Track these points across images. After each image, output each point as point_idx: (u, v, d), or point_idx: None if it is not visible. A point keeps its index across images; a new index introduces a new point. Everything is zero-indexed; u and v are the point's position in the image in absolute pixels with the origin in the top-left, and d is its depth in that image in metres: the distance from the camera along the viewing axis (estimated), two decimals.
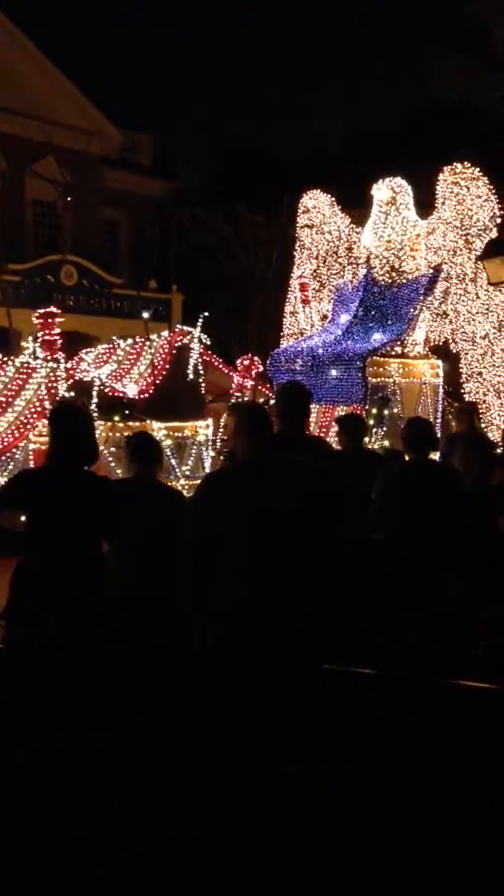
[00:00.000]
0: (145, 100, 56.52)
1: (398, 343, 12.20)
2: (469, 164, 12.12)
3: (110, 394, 9.46)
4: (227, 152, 33.49)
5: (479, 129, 31.06)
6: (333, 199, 13.39)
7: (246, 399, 10.48)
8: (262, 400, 11.54)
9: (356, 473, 5.50)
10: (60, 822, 3.93)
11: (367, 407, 11.69)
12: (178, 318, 30.02)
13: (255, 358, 10.54)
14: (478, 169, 12.09)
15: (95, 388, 9.29)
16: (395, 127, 31.01)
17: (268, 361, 12.56)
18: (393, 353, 12.22)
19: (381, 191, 12.42)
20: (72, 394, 9.19)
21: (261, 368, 10.64)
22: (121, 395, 9.50)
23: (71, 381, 9.43)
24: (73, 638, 4.39)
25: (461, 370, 12.52)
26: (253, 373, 10.50)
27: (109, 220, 29.78)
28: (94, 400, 9.21)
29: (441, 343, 12.69)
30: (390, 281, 12.42)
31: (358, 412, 11.61)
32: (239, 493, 4.03)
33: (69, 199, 24.07)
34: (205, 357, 10.18)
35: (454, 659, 5.05)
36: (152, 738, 4.47)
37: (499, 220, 12.09)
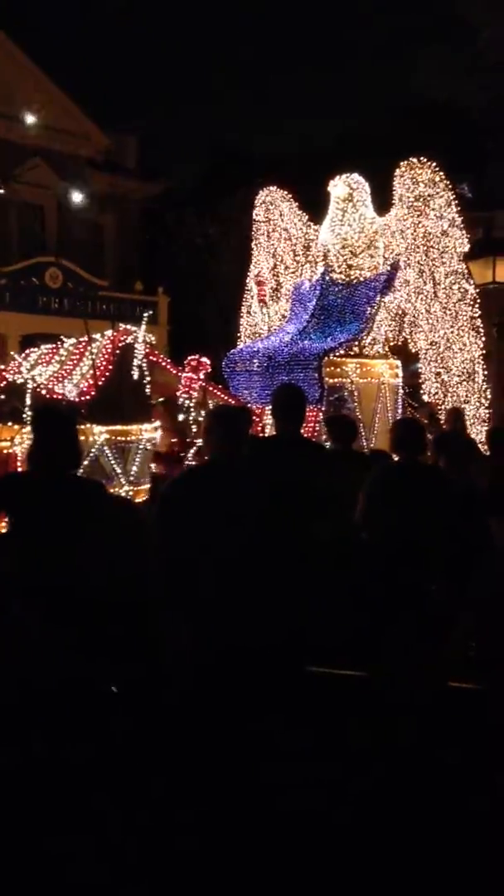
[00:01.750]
0: (131, 102, 56.28)
1: (356, 342, 11.80)
2: (426, 160, 11.69)
3: (48, 397, 9.06)
4: (213, 154, 33.16)
5: (464, 129, 30.69)
6: (290, 195, 12.99)
7: (194, 400, 10.08)
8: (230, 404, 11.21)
9: (344, 474, 5.45)
10: (40, 831, 3.88)
11: (323, 408, 11.30)
12: (164, 320, 29.82)
13: (204, 358, 10.15)
14: (434, 164, 11.66)
15: (29, 391, 8.89)
16: (382, 127, 30.62)
17: (223, 362, 12.18)
18: (351, 352, 11.81)
19: (338, 187, 11.99)
20: (2, 397, 8.80)
21: (210, 369, 10.25)
22: (59, 397, 9.10)
23: (3, 383, 9.03)
24: (59, 641, 4.30)
25: (420, 370, 12.12)
26: (201, 373, 10.10)
27: (95, 223, 29.42)
28: (28, 403, 8.82)
29: (400, 343, 12.29)
30: (348, 279, 12.00)
31: (314, 413, 11.25)
32: (207, 495, 3.98)
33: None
34: (151, 357, 9.78)
35: (444, 660, 4.91)
36: (135, 743, 4.41)
37: (457, 217, 11.67)
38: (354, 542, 5.57)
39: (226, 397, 10.85)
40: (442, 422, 11.20)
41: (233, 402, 11.17)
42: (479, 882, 3.66)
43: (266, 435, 10.49)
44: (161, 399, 10.13)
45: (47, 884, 3.63)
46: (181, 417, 10.28)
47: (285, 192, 13.02)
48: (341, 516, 5.32)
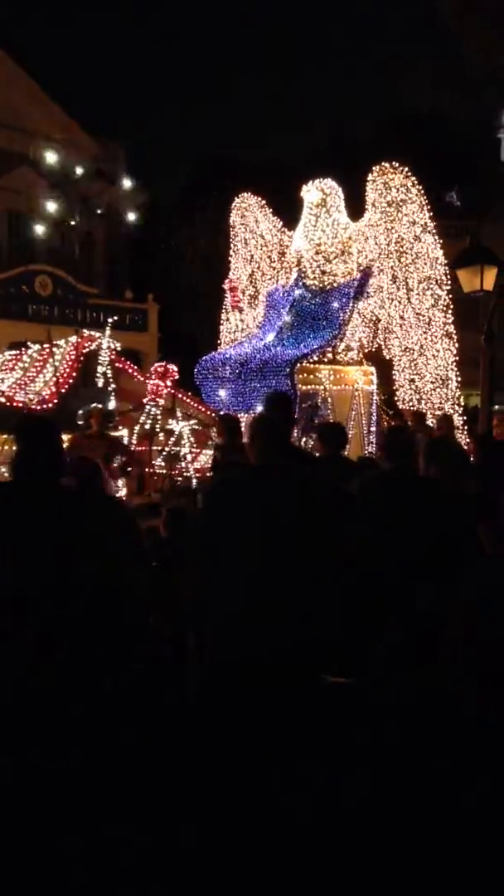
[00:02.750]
0: (121, 111, 56.21)
1: (329, 349, 11.55)
2: (399, 165, 11.44)
3: (8, 404, 8.82)
4: (201, 162, 32.97)
5: (450, 138, 30.52)
6: (264, 202, 12.75)
7: (160, 407, 9.82)
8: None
9: (335, 481, 5.48)
10: (43, 840, 3.77)
11: (296, 415, 11.04)
12: (155, 327, 29.61)
13: (171, 365, 9.89)
14: (407, 168, 11.41)
15: None
16: (367, 135, 30.48)
17: (195, 369, 11.93)
18: (325, 359, 11.57)
19: (311, 193, 11.76)
20: None
21: (177, 376, 9.99)
22: (20, 405, 8.86)
23: None
24: (52, 654, 4.11)
25: (394, 377, 11.86)
26: (168, 380, 9.84)
27: (84, 230, 29.23)
28: None
29: (374, 349, 12.04)
30: (321, 285, 11.76)
31: None
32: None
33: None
34: (117, 364, 9.54)
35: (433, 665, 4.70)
36: (140, 753, 4.26)
37: (430, 222, 11.42)
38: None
39: (196, 404, 10.59)
40: (435, 427, 11.03)
41: (203, 409, 10.93)
42: (473, 885, 3.63)
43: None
44: (130, 407, 9.88)
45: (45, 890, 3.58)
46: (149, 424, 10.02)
47: (259, 199, 12.78)
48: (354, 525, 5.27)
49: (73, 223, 28.49)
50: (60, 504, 4.30)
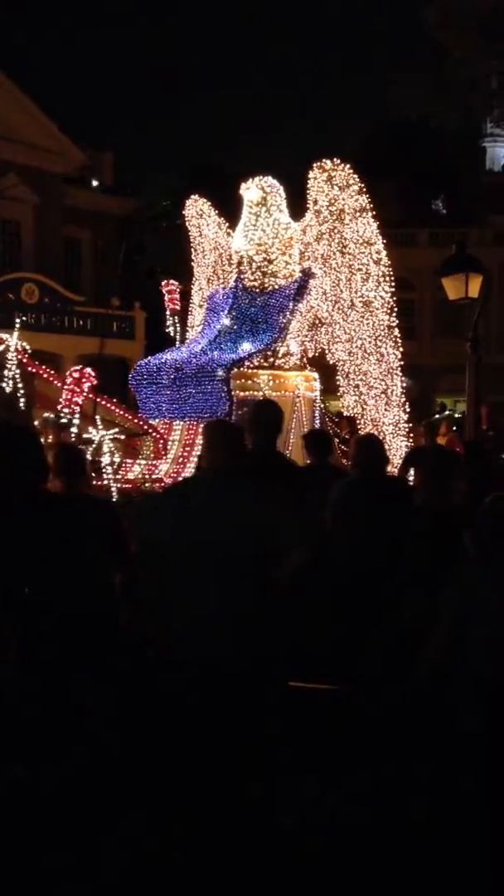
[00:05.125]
0: (107, 118, 55.69)
1: (269, 353, 10.69)
2: (339, 162, 10.57)
3: None
4: (188, 170, 32.26)
5: (437, 146, 29.64)
6: (210, 203, 11.91)
7: (78, 414, 8.99)
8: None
9: (321, 489, 5.40)
10: (27, 851, 3.72)
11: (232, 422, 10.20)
12: (141, 335, 28.86)
13: (88, 370, 9.06)
14: (348, 165, 10.54)
15: None
16: (354, 145, 29.65)
17: (130, 374, 11.12)
18: (265, 364, 10.71)
19: (251, 191, 10.90)
20: None
21: (95, 381, 9.16)
22: None
23: None
24: (36, 657, 4.14)
25: (338, 383, 11.00)
26: (85, 386, 9.01)
27: (72, 238, 28.53)
28: None
29: (317, 354, 11.17)
30: (261, 287, 10.90)
31: None
32: (177, 510, 3.89)
33: None
34: (30, 367, 8.73)
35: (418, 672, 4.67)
36: (120, 759, 4.22)
37: (372, 221, 10.55)
38: (324, 558, 5.14)
39: (123, 412, 9.76)
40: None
41: (131, 416, 10.11)
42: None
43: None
44: (46, 415, 9.06)
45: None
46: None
47: (207, 202, 11.94)
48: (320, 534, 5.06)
49: (60, 231, 27.84)
50: (39, 510, 4.25)
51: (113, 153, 29.63)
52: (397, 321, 10.63)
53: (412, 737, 4.27)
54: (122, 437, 9.12)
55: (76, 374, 8.97)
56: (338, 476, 6.56)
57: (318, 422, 11.01)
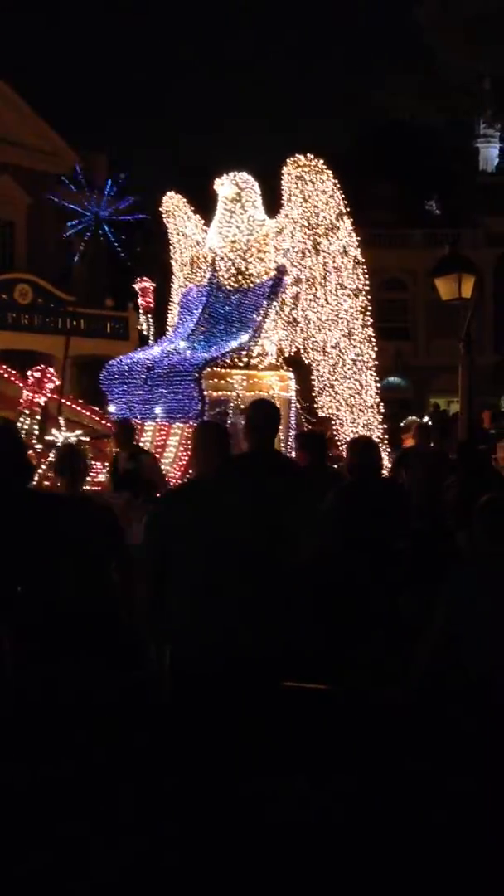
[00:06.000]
0: (101, 120, 55.42)
1: (244, 353, 10.35)
2: (312, 157, 10.22)
3: None
4: (181, 170, 31.90)
5: (428, 148, 29.30)
6: (185, 200, 11.56)
7: (39, 414, 8.67)
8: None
9: (318, 491, 5.33)
10: (17, 850, 3.72)
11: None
12: (135, 335, 28.54)
13: (50, 369, 8.74)
14: (321, 161, 10.19)
15: None
16: (343, 145, 29.29)
17: (100, 374, 10.78)
18: (239, 363, 10.36)
19: (225, 186, 10.57)
20: None
21: (57, 382, 8.83)
22: None
23: None
24: (28, 656, 4.20)
25: (313, 382, 10.65)
26: (47, 386, 8.67)
27: (65, 239, 28.21)
28: None
29: (293, 353, 10.83)
30: (236, 285, 10.55)
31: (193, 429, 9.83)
32: (189, 513, 3.93)
33: None
34: None
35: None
36: (110, 757, 4.26)
37: (346, 218, 10.20)
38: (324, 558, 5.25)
39: (89, 413, 9.43)
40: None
41: (98, 417, 9.78)
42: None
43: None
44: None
45: None
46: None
47: (182, 198, 11.58)
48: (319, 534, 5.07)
49: (53, 232, 27.54)
50: (26, 509, 4.28)
51: (107, 155, 29.26)
52: (372, 321, 10.25)
53: (404, 736, 4.28)
54: (87, 438, 8.78)
55: (37, 374, 8.64)
56: (335, 476, 6.68)
57: (293, 422, 10.68)
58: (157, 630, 4.02)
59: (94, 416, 9.47)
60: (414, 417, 13.72)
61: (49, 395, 8.74)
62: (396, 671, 4.41)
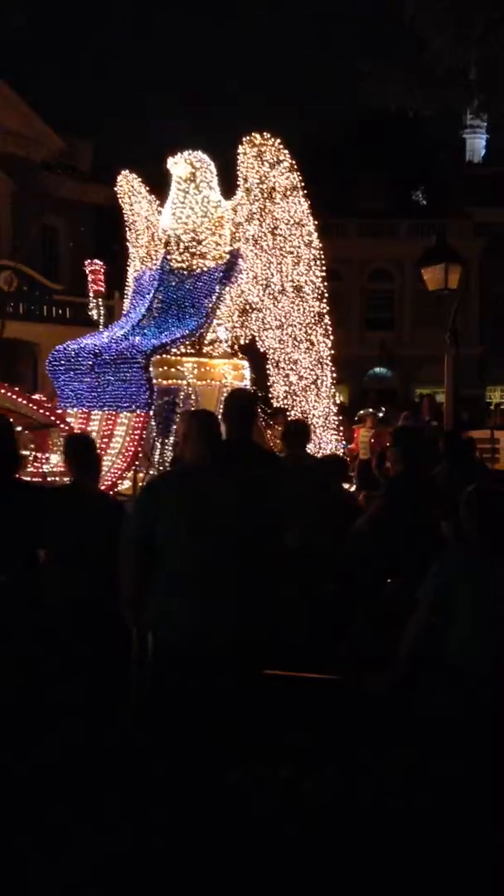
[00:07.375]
0: (87, 106, 54.58)
1: (195, 339, 9.72)
2: (269, 135, 9.56)
3: None
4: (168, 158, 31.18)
5: (415, 138, 28.55)
6: (140, 180, 10.90)
7: None
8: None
9: (300, 481, 5.40)
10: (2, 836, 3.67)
11: (151, 413, 9.25)
12: None
13: None
14: (279, 141, 9.52)
15: None
16: (335, 137, 28.55)
17: (46, 360, 10.17)
18: (191, 350, 9.74)
19: (179, 166, 9.93)
20: None
21: None
22: None
23: None
24: (10, 646, 4.12)
25: (268, 371, 10.03)
26: None
27: (50, 227, 27.52)
28: None
29: (248, 341, 10.20)
30: (189, 268, 9.91)
31: (142, 419, 9.22)
32: (179, 498, 3.91)
33: None
34: None
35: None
36: (92, 746, 4.16)
37: (303, 201, 9.56)
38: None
39: (26, 402, 8.81)
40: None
41: (36, 407, 9.15)
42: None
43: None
44: None
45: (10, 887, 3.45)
46: None
47: (136, 177, 10.91)
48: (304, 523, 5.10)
49: (39, 219, 26.84)
50: (10, 498, 4.19)
51: (92, 141, 28.54)
52: (328, 308, 9.62)
53: (389, 723, 4.22)
54: (22, 429, 8.16)
55: None
56: (319, 464, 6.85)
57: None
58: (138, 616, 3.99)
59: (31, 405, 8.83)
60: (370, 410, 13.12)
61: None
62: (380, 658, 4.38)
